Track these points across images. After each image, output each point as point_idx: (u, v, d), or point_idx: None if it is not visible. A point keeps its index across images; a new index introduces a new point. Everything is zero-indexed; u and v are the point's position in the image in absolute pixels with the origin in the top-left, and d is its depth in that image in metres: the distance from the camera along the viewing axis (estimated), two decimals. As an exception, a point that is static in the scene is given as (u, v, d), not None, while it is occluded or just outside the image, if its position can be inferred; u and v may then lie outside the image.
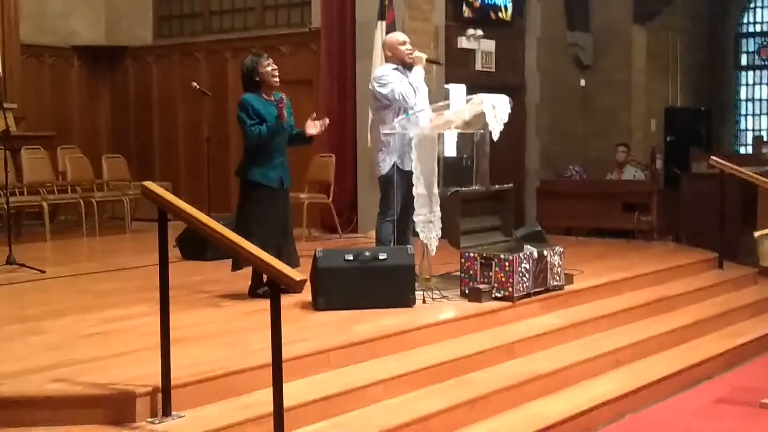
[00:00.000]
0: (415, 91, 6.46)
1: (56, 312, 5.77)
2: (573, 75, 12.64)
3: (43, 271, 7.19)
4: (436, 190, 6.31)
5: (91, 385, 4.03)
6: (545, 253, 6.31)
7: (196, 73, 11.58)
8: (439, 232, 6.37)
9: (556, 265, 6.41)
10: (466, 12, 10.90)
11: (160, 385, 3.92)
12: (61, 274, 7.28)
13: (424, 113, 6.41)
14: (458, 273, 6.26)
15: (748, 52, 15.52)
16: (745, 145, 15.28)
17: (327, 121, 6.25)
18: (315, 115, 6.24)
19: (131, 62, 12.73)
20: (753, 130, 15.43)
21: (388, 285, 5.77)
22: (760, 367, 6.60)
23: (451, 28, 10.70)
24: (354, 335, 5.09)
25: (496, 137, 6.22)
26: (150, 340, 4.37)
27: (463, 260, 6.16)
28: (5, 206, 8.21)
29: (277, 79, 6.11)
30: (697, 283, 7.84)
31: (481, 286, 6.01)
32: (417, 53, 6.63)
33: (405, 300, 5.81)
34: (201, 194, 9.31)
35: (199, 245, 7.70)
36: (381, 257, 5.84)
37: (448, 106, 6.42)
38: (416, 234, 6.46)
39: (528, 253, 6.18)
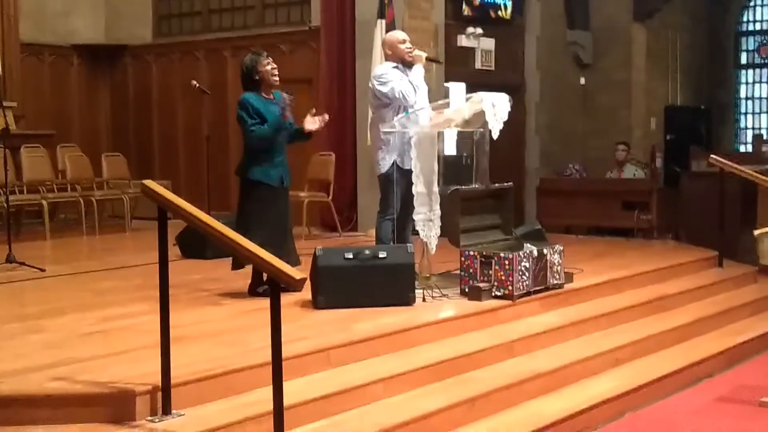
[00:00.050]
0: (415, 90, 6.45)
1: (56, 310, 5.77)
2: (573, 73, 12.64)
3: (42, 270, 7.19)
4: (435, 189, 6.31)
5: (90, 383, 4.03)
6: (545, 251, 6.31)
7: (195, 72, 11.57)
8: (439, 231, 6.37)
9: (556, 264, 6.41)
10: (466, 10, 10.90)
11: (160, 384, 3.92)
12: (61, 273, 7.28)
13: (424, 112, 6.41)
14: (458, 271, 6.26)
15: (748, 51, 15.52)
16: (745, 143, 15.28)
17: (326, 117, 6.23)
18: (314, 110, 6.23)
19: (131, 61, 12.73)
20: (753, 128, 15.42)
21: (387, 283, 5.77)
22: (760, 365, 6.60)
23: (450, 26, 10.70)
24: (354, 334, 5.09)
25: (495, 136, 6.21)
26: (150, 339, 4.37)
27: (462, 259, 6.16)
28: (5, 205, 8.20)
29: (277, 78, 6.10)
30: (697, 281, 7.84)
31: (481, 285, 6.01)
32: (417, 52, 6.63)
33: (405, 298, 5.81)
34: (201, 193, 9.30)
35: (198, 244, 7.69)
36: (381, 256, 5.84)
37: (447, 105, 6.42)
38: (416, 232, 6.46)
39: (528, 251, 6.18)
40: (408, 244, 6.12)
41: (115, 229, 10.32)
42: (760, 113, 15.51)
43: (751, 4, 15.45)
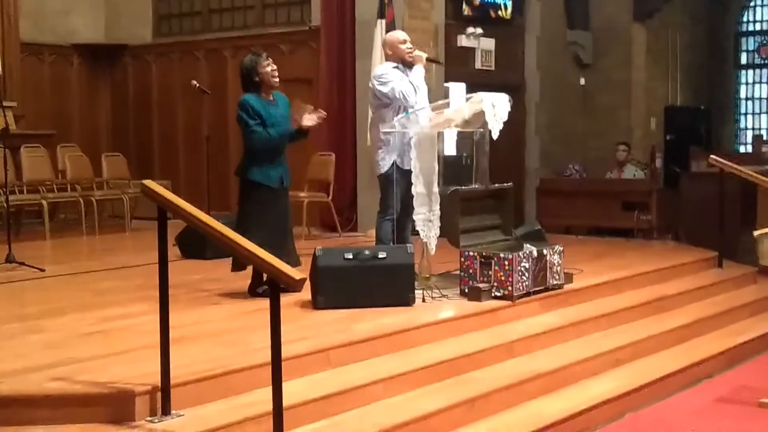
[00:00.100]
0: (415, 90, 6.45)
1: (56, 310, 5.77)
2: (573, 73, 12.64)
3: (42, 270, 7.19)
4: (435, 189, 6.31)
5: (90, 383, 4.02)
6: (545, 251, 6.30)
7: (195, 72, 11.56)
8: (439, 231, 6.37)
9: (556, 264, 6.41)
10: (466, 10, 10.90)
11: (159, 384, 3.92)
12: (61, 273, 7.27)
13: (424, 112, 6.40)
14: (458, 272, 6.26)
15: (747, 51, 15.51)
16: (745, 143, 15.28)
17: (323, 113, 6.21)
18: (311, 107, 6.20)
19: (131, 60, 12.72)
20: (753, 128, 15.42)
21: (387, 284, 5.77)
22: (760, 366, 6.60)
23: (450, 26, 10.70)
24: (353, 334, 5.08)
25: (495, 136, 6.21)
26: (149, 339, 4.36)
27: (462, 259, 6.15)
28: (5, 205, 8.20)
29: (277, 80, 6.09)
30: (697, 282, 7.84)
31: (481, 285, 6.00)
32: (417, 52, 6.63)
33: (404, 299, 5.81)
34: (200, 193, 9.29)
35: (198, 244, 7.69)
36: (380, 256, 5.84)
37: (447, 105, 6.42)
38: (416, 233, 6.46)
39: (527, 251, 6.18)
40: (408, 245, 6.12)
41: (115, 229, 10.32)
42: (759, 114, 15.50)
43: (751, 4, 15.44)
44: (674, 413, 5.43)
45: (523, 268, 6.06)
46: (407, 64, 6.56)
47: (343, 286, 5.73)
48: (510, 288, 5.99)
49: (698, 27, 14.42)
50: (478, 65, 11.16)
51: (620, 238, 9.95)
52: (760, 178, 8.05)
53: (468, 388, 4.87)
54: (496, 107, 6.17)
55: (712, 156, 8.89)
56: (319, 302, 5.70)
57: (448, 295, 6.12)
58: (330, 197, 9.73)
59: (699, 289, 7.64)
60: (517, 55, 11.98)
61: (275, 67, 6.11)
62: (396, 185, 6.39)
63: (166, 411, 3.92)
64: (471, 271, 6.11)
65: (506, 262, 5.99)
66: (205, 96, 9.40)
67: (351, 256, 5.81)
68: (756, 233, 6.85)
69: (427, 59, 6.79)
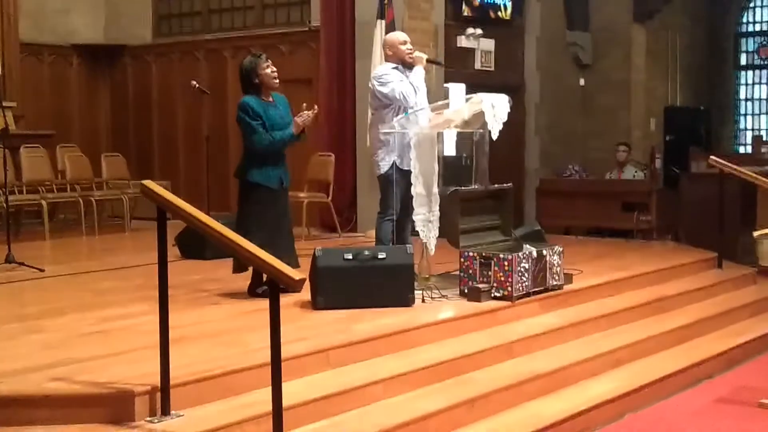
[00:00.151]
0: (415, 91, 6.45)
1: (55, 311, 5.77)
2: (572, 74, 12.64)
3: (42, 270, 7.18)
4: (435, 190, 6.30)
5: (90, 384, 4.02)
6: (544, 252, 6.30)
7: (195, 72, 11.57)
8: (438, 232, 6.37)
9: (556, 265, 6.41)
10: (466, 11, 10.90)
11: (159, 384, 3.92)
12: (61, 273, 7.27)
13: (424, 112, 6.40)
14: (457, 272, 6.26)
15: (747, 52, 15.51)
16: (745, 144, 15.28)
17: (316, 108, 6.17)
18: (305, 105, 6.17)
19: (130, 61, 12.73)
20: (752, 129, 15.43)
21: (387, 284, 5.77)
22: (760, 366, 6.60)
23: (450, 27, 10.70)
24: (353, 334, 5.08)
25: (495, 136, 6.21)
26: (149, 339, 4.36)
27: (462, 259, 6.15)
28: (4, 205, 8.19)
29: (277, 81, 6.09)
30: (697, 282, 7.84)
31: (481, 286, 6.00)
32: (417, 53, 6.63)
33: (404, 299, 5.81)
34: (200, 193, 9.29)
35: (198, 244, 7.69)
36: (380, 256, 5.83)
37: (447, 106, 6.42)
38: (416, 233, 6.46)
39: (527, 252, 6.18)
40: (407, 245, 6.12)
41: (115, 230, 10.32)
42: (759, 114, 15.50)
43: (751, 5, 15.44)
44: (674, 414, 5.43)
45: (522, 269, 6.06)
46: (407, 65, 6.56)
47: (342, 287, 5.72)
48: (509, 288, 5.99)
49: (698, 28, 14.42)
50: (477, 66, 11.17)
51: (620, 238, 9.95)
52: (760, 178, 8.05)
53: (468, 388, 4.87)
54: (495, 108, 6.17)
55: (711, 157, 8.89)
56: (318, 303, 5.70)
57: (447, 295, 6.12)
58: (330, 198, 9.73)
59: (699, 289, 7.64)
60: (516, 55, 11.99)
61: (275, 68, 6.10)
62: (396, 186, 6.39)
63: (165, 411, 3.92)
64: (470, 271, 6.11)
65: (506, 263, 5.99)
66: (204, 96, 9.40)
67: (351, 257, 5.81)
68: (756, 234, 6.86)
69: (428, 61, 6.79)
